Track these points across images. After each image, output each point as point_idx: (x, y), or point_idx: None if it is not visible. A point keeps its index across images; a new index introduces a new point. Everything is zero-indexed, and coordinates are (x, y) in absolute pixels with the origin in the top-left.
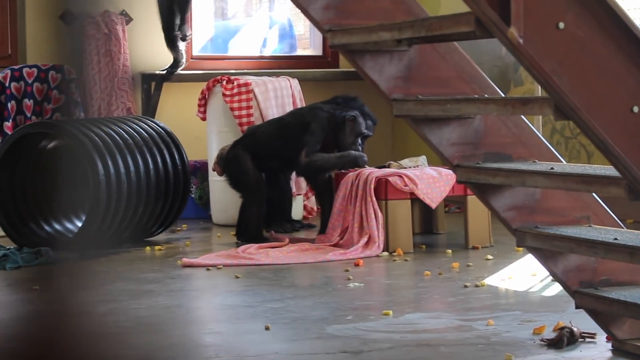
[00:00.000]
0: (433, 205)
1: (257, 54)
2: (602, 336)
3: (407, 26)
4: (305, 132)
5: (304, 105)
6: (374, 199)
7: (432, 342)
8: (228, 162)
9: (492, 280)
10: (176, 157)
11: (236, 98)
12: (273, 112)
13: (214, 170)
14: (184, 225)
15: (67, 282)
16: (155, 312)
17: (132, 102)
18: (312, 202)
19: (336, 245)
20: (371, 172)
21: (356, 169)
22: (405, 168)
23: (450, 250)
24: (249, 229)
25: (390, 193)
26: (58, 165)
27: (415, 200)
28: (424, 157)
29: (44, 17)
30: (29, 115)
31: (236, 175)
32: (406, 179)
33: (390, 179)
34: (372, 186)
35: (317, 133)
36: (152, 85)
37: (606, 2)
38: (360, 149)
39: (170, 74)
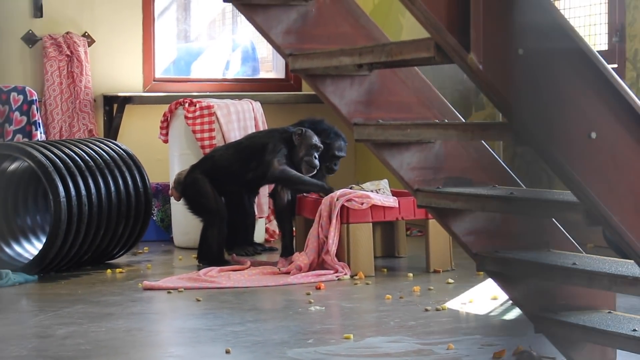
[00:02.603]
0: (395, 204)
1: (220, 76)
2: None
3: (368, 51)
4: (263, 154)
5: (267, 128)
6: (333, 224)
7: None
8: (186, 187)
9: (452, 304)
10: (138, 179)
11: (198, 121)
12: (235, 134)
13: (170, 195)
14: (145, 248)
15: (26, 304)
16: (116, 335)
17: (93, 124)
18: (274, 225)
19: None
20: (335, 197)
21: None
22: (367, 192)
23: (411, 274)
24: (210, 251)
25: (352, 217)
26: (19, 187)
27: (376, 223)
28: (386, 180)
29: (6, 39)
30: None
31: (196, 199)
32: (358, 199)
33: (345, 203)
34: (337, 210)
35: (278, 150)
36: (114, 107)
37: (564, 28)
38: (316, 161)
39: None
